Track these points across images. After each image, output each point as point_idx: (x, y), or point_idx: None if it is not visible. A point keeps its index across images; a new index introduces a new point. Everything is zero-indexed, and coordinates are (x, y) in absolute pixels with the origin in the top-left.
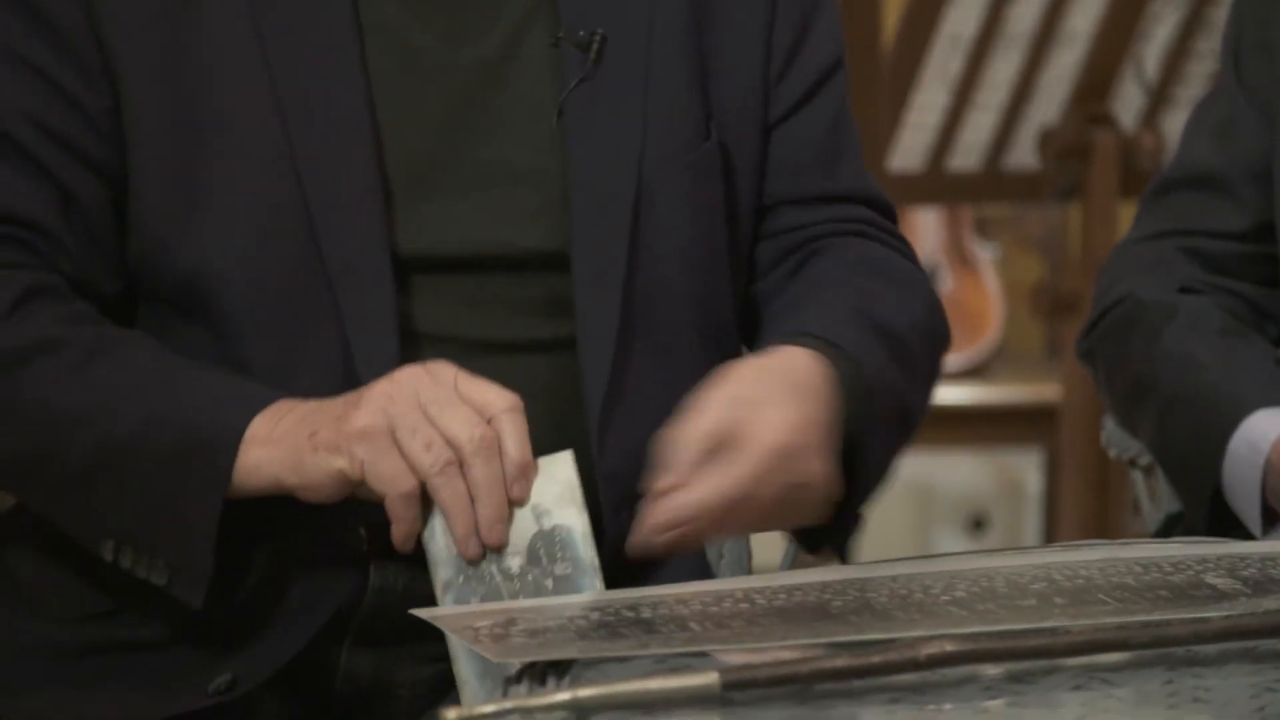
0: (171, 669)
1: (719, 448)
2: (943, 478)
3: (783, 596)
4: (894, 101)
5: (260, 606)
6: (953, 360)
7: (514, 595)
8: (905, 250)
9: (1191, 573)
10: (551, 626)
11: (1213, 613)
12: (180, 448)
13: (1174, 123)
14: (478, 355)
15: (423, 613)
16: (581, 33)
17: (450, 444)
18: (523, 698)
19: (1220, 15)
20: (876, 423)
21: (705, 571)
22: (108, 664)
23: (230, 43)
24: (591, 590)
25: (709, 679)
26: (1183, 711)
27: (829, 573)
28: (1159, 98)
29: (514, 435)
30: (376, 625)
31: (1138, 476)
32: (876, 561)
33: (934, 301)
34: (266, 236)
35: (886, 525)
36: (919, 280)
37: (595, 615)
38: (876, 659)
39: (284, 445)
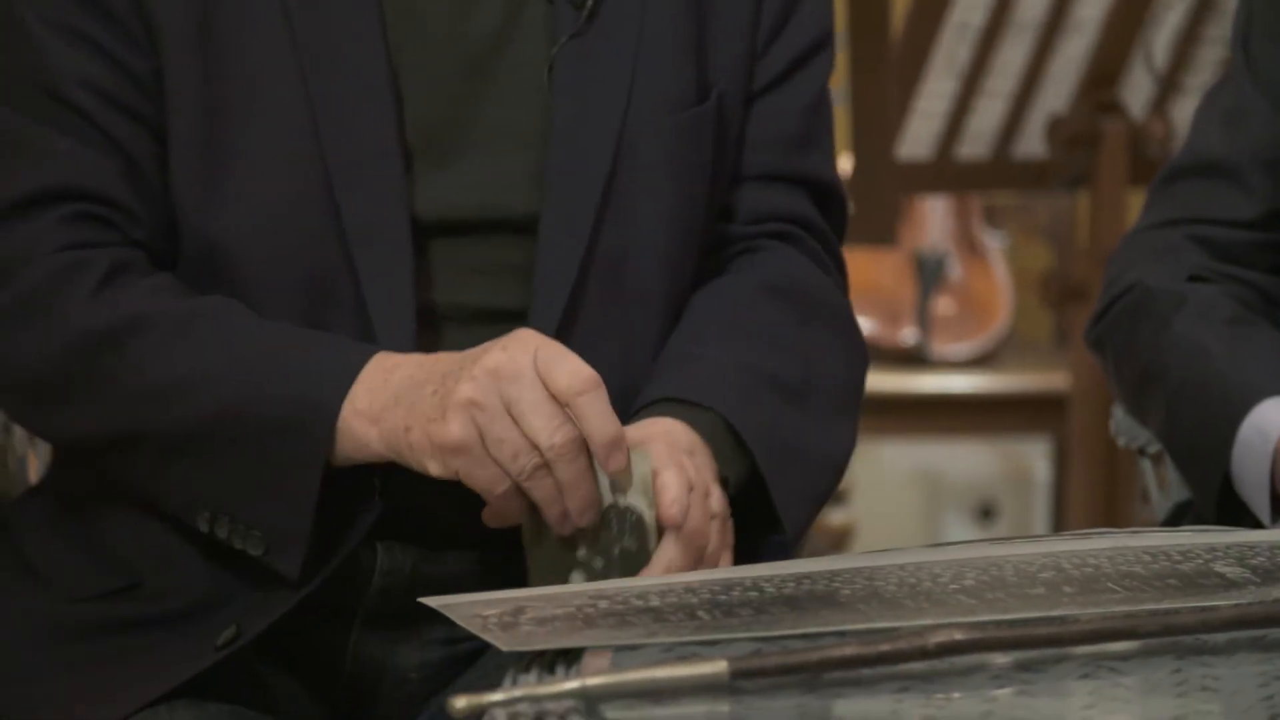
0: (181, 637)
1: None
2: (951, 466)
3: (791, 585)
4: (902, 89)
5: (262, 571)
6: (961, 349)
7: (588, 557)
8: (831, 262)
9: (1200, 561)
10: (560, 615)
11: (1221, 601)
12: (280, 420)
13: (1183, 110)
14: (481, 324)
15: (432, 601)
16: None
17: (535, 448)
18: (532, 686)
19: (1230, 2)
20: (770, 464)
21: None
22: (119, 639)
23: (256, 10)
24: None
25: (718, 667)
26: (1191, 700)
27: (838, 561)
28: (1168, 85)
29: (595, 418)
30: (385, 608)
31: (1146, 465)
32: (885, 550)
33: (843, 324)
34: (288, 202)
35: (895, 513)
36: (830, 303)
37: (604, 604)
38: (885, 647)
39: (383, 426)
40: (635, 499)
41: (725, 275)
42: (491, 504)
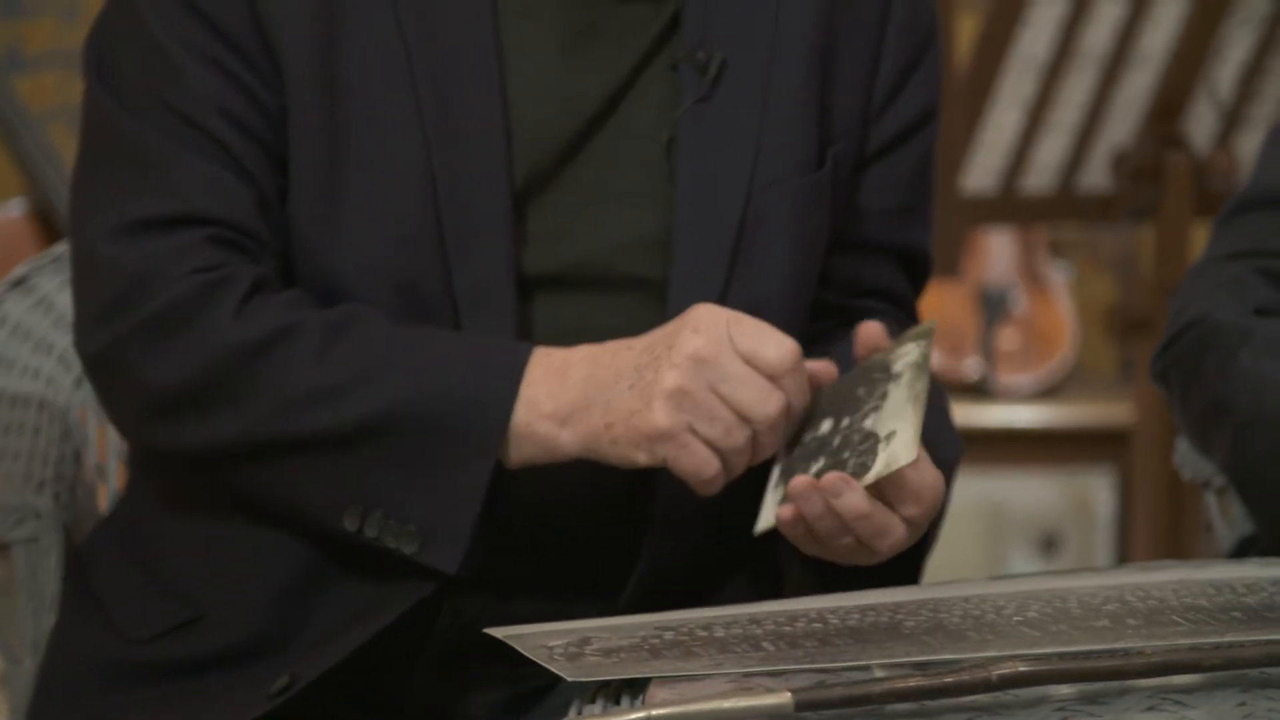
0: (237, 681)
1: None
2: (1015, 498)
3: (856, 616)
4: (968, 122)
5: (323, 611)
6: (1026, 381)
7: (839, 423)
8: None
9: (1266, 594)
10: (625, 646)
11: None
12: (448, 419)
13: (1248, 143)
14: None
15: (497, 632)
16: (701, 54)
17: (746, 422)
18: (597, 717)
19: None
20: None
21: (776, 591)
22: (177, 683)
23: (377, 53)
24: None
25: (782, 699)
26: None
27: (902, 593)
28: (1233, 118)
29: (799, 393)
30: (450, 651)
31: (1211, 498)
32: (949, 582)
33: (941, 389)
34: (399, 249)
35: (958, 546)
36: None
37: (669, 634)
38: (949, 679)
39: (577, 428)
40: (918, 384)
41: (835, 346)
42: (699, 488)
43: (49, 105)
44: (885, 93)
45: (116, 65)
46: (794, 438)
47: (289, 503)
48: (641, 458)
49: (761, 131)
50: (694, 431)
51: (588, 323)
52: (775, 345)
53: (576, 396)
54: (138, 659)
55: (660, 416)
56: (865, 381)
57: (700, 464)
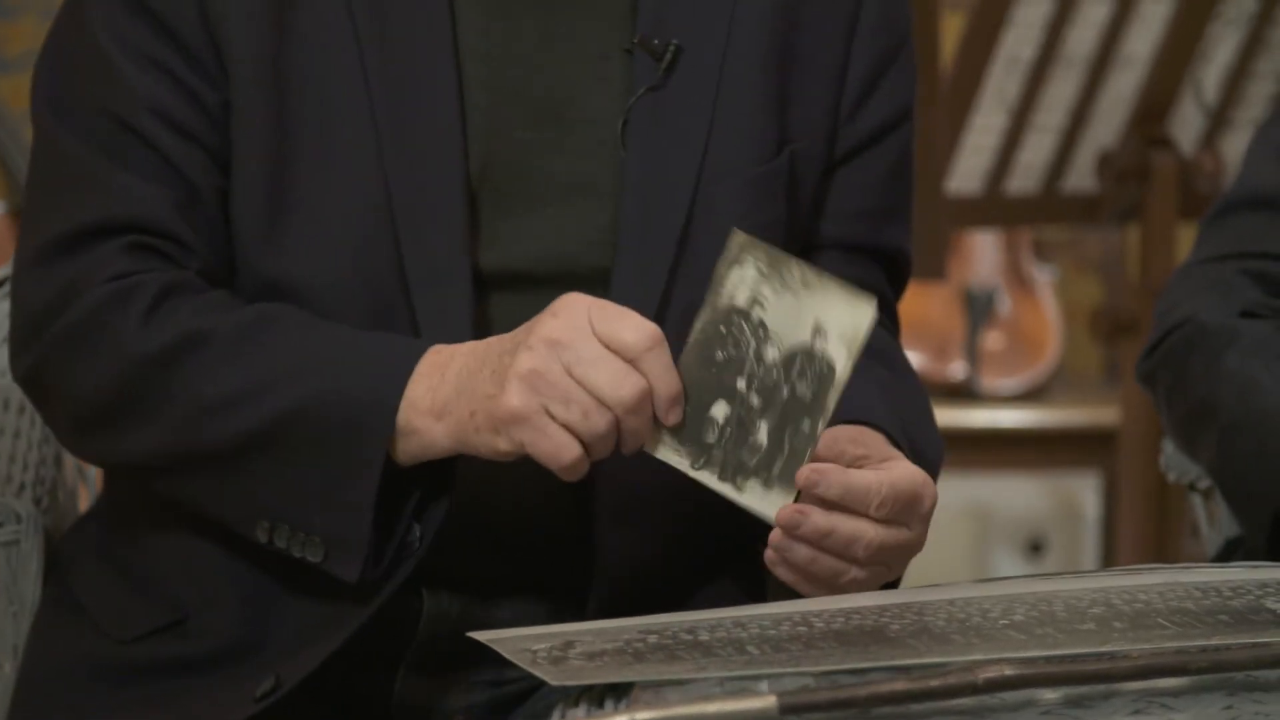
0: (223, 684)
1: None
2: (1001, 501)
3: (840, 620)
4: (952, 124)
5: (301, 611)
6: (1011, 383)
7: (749, 384)
8: (892, 326)
9: (1252, 597)
10: (609, 649)
11: (1273, 638)
12: (336, 421)
13: (1233, 145)
14: None
15: (480, 635)
16: (656, 41)
17: (603, 405)
18: None
19: None
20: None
21: (759, 595)
22: (161, 683)
23: (328, 47)
24: (811, 433)
25: (766, 702)
26: None
27: (887, 596)
28: (1218, 120)
29: (661, 375)
30: (431, 653)
31: (1197, 500)
32: (934, 585)
33: (922, 388)
34: (351, 247)
35: (944, 548)
36: (911, 371)
37: (653, 638)
38: (934, 683)
39: (448, 421)
40: (836, 349)
41: None
42: (561, 475)
43: (28, 106)
44: (857, 94)
45: (58, 75)
46: (685, 420)
47: (212, 514)
48: (501, 444)
49: (714, 121)
50: (550, 414)
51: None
52: (634, 327)
53: (450, 390)
54: (120, 660)
55: (514, 398)
56: (730, 343)
57: (558, 448)
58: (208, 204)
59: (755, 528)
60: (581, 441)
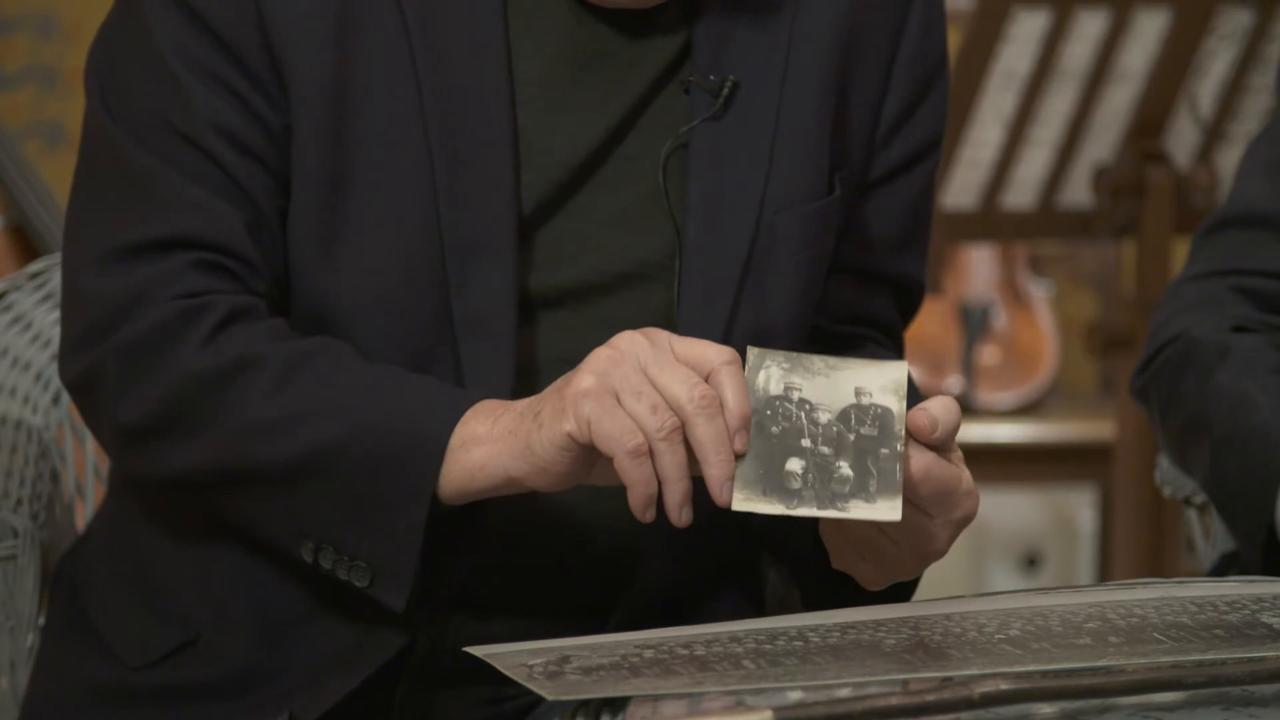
0: (231, 714)
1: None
2: (997, 515)
3: (836, 634)
4: (948, 139)
5: (320, 645)
6: (1007, 398)
7: (814, 441)
8: (899, 357)
9: (1247, 612)
10: (605, 664)
11: (1269, 652)
12: (388, 453)
13: (1229, 159)
14: None
15: (477, 650)
16: (713, 78)
17: (672, 406)
18: None
19: (1275, 51)
20: None
21: (758, 609)
22: (171, 711)
23: (386, 76)
24: (892, 451)
25: (762, 717)
26: None
27: (883, 611)
28: (1213, 134)
29: (733, 389)
30: (430, 672)
31: (1192, 515)
32: (931, 599)
33: None
34: (400, 273)
35: (940, 562)
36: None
37: (649, 653)
38: (930, 697)
39: (508, 439)
40: (884, 398)
41: None
42: (622, 469)
43: (25, 121)
44: (892, 122)
45: (118, 84)
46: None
47: (259, 530)
48: (567, 425)
49: (773, 154)
50: (619, 399)
51: (586, 348)
52: (709, 345)
53: (511, 417)
54: (129, 686)
55: (586, 377)
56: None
57: (622, 430)
58: (271, 225)
59: (756, 540)
60: (646, 435)
